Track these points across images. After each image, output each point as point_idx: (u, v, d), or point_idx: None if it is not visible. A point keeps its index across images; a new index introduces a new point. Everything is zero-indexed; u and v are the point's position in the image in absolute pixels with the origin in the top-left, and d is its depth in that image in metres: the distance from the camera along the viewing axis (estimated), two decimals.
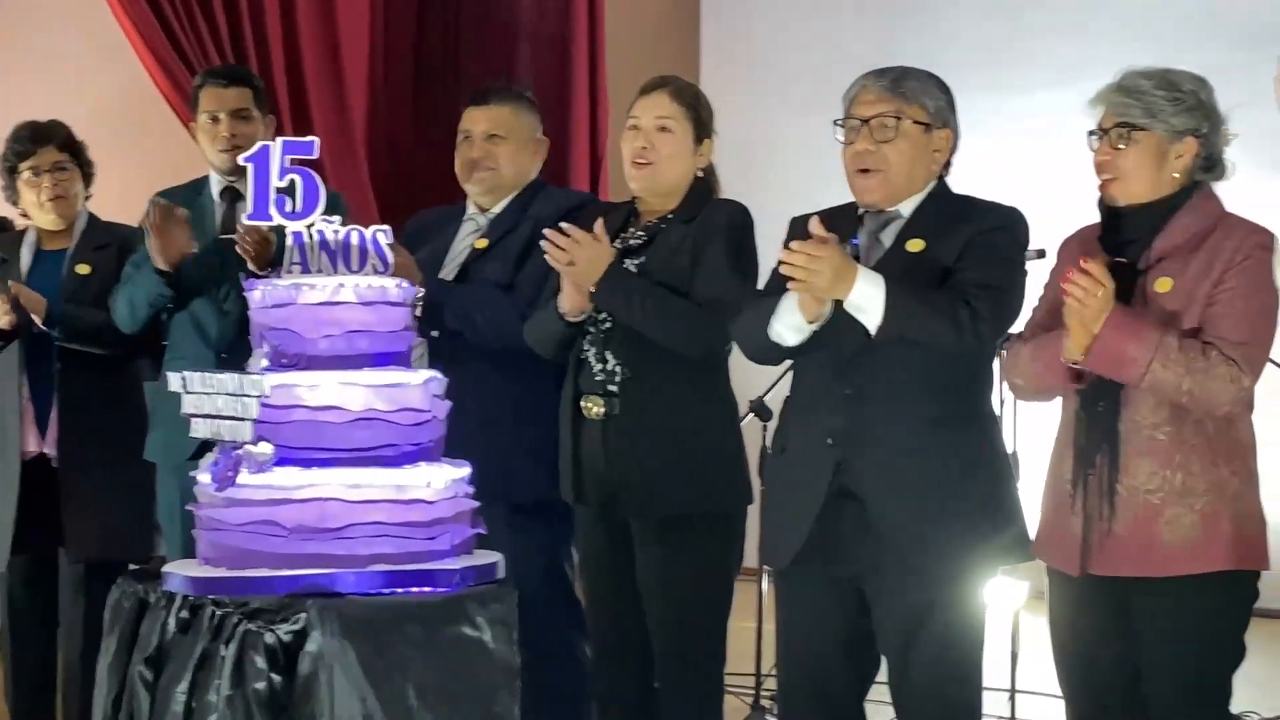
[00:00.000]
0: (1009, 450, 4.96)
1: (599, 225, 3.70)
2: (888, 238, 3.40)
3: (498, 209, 4.14)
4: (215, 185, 4.64)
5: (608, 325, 3.78)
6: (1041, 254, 4.18)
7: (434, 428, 3.32)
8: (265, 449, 3.17)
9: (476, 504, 3.41)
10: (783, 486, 3.50)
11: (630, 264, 3.78)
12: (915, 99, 3.38)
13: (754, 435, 4.28)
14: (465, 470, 3.36)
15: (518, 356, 3.95)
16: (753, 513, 3.86)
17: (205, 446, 4.41)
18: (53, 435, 4.57)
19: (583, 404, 3.80)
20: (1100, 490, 3.24)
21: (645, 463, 3.73)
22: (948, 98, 3.44)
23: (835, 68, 8.17)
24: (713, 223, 3.78)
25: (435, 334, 4.00)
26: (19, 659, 4.78)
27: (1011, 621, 5.11)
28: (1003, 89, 7.76)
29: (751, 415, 4.81)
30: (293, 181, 3.31)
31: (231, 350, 4.47)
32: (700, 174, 3.90)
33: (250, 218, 3.41)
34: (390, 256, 3.32)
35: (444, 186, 8.55)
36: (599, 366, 3.78)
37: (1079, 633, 3.34)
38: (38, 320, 4.53)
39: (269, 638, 3.06)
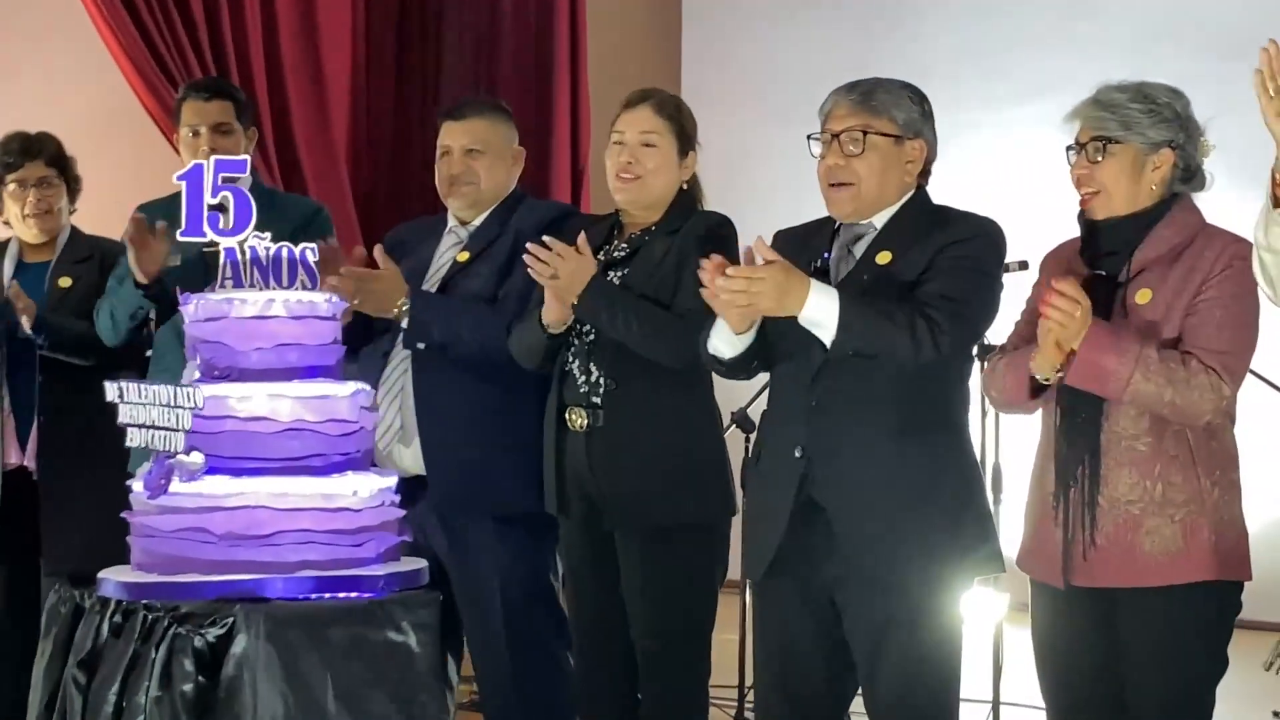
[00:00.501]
0: (992, 462, 5.01)
1: (582, 238, 3.71)
2: (859, 250, 3.40)
3: (478, 222, 4.15)
4: None
5: (591, 337, 3.78)
6: (1024, 265, 4.20)
7: (361, 438, 3.42)
8: (197, 458, 3.26)
9: (402, 512, 3.50)
10: (757, 498, 3.52)
11: (614, 276, 3.79)
12: (884, 112, 3.38)
13: (737, 447, 4.29)
14: (392, 479, 3.46)
15: (502, 369, 3.95)
16: (736, 524, 3.87)
17: None
18: (33, 448, 4.55)
19: (567, 415, 3.80)
20: (1082, 501, 3.25)
21: (629, 474, 3.74)
22: (921, 108, 3.44)
23: (816, 78, 8.18)
24: (696, 234, 3.79)
25: (421, 346, 3.99)
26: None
27: (994, 633, 5.11)
28: (984, 99, 7.79)
29: (734, 427, 4.81)
30: (225, 199, 3.41)
31: None
32: (684, 186, 3.90)
33: (183, 234, 3.47)
34: (318, 273, 3.41)
35: (425, 197, 8.58)
36: (583, 378, 3.79)
37: (1062, 644, 3.35)
38: (26, 324, 4.51)
39: (197, 641, 3.16)
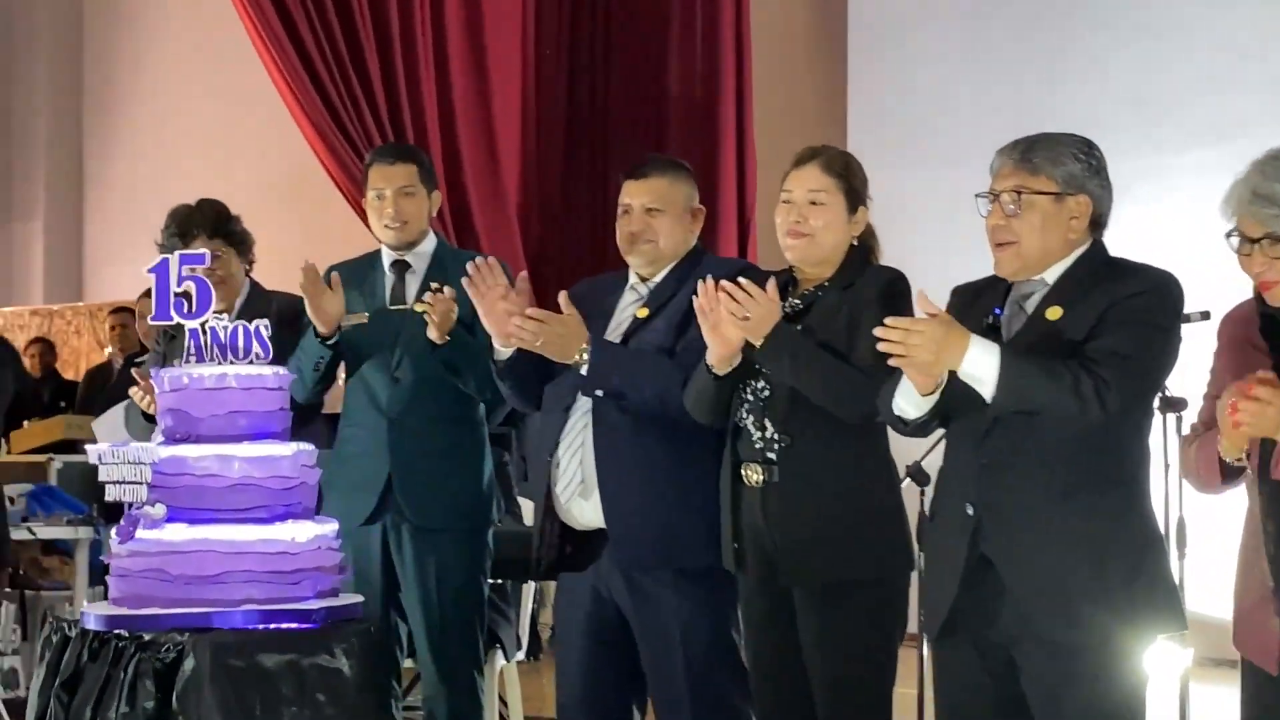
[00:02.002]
0: (1176, 516, 4.93)
1: (771, 284, 3.75)
2: (1030, 306, 3.38)
3: (658, 278, 4.19)
4: (386, 258, 4.76)
5: (766, 393, 3.81)
6: (1206, 315, 4.13)
7: (302, 492, 4.01)
8: (158, 509, 3.86)
9: (340, 555, 4.07)
10: (933, 554, 3.51)
11: (793, 328, 3.81)
12: (1042, 170, 3.36)
13: (912, 500, 4.28)
14: (331, 526, 4.05)
15: (680, 423, 3.98)
16: (913, 577, 3.87)
17: (379, 511, 4.55)
18: None
19: (742, 471, 3.82)
20: None
21: (806, 529, 3.74)
22: (1086, 161, 3.39)
23: (985, 129, 8.20)
24: (869, 289, 3.80)
25: (599, 393, 4.05)
26: None
27: (1180, 689, 5.03)
28: (1154, 145, 7.70)
29: (909, 480, 4.81)
30: (189, 288, 4.00)
31: (403, 416, 4.59)
32: (855, 241, 3.92)
33: (153, 318, 4.08)
34: (269, 347, 4.00)
35: (594, 254, 8.72)
36: (757, 434, 3.80)
37: None
38: None
39: (156, 664, 3.76)
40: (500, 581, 5.40)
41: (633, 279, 4.24)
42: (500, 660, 5.46)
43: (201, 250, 4.14)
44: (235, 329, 3.98)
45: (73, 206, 11.92)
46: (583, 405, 4.10)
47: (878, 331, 3.22)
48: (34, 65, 11.75)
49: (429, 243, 4.76)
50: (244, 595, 3.85)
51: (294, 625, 3.87)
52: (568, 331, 4.02)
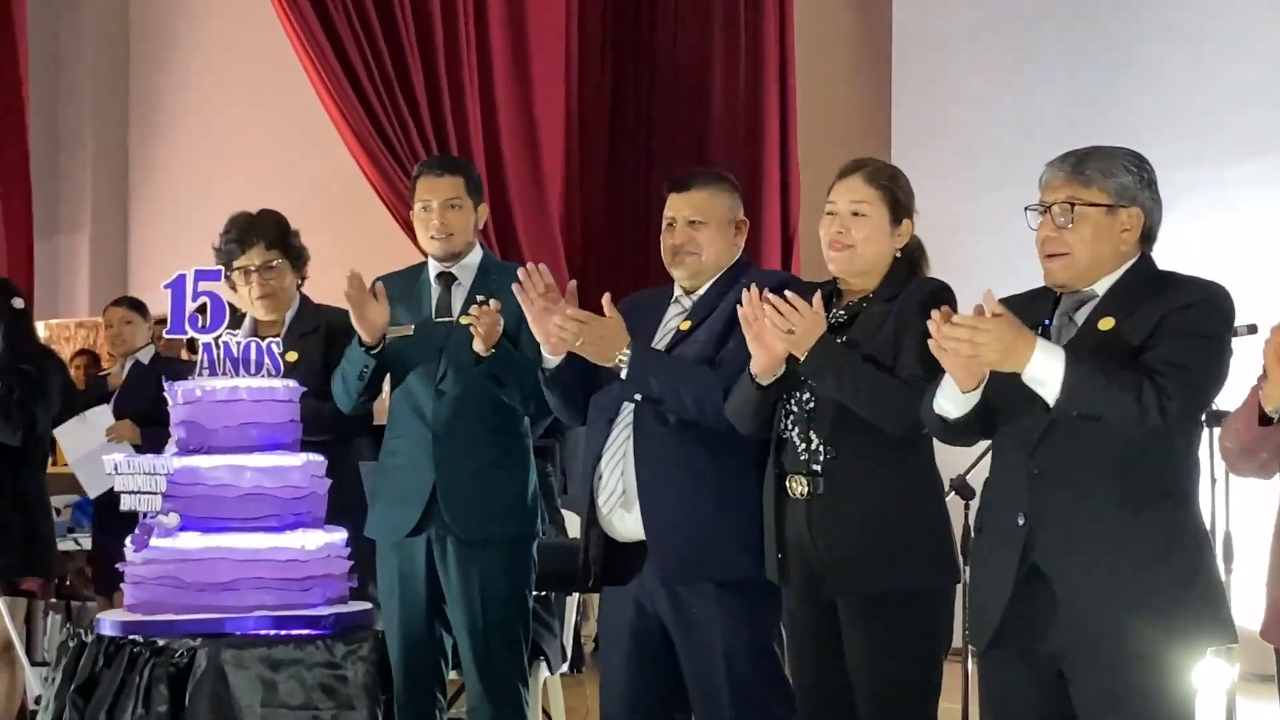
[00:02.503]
0: (1223, 530, 4.91)
1: (816, 297, 3.75)
2: (1081, 317, 3.39)
3: (702, 290, 4.21)
4: (432, 270, 4.78)
5: (811, 405, 3.81)
6: (1253, 329, 4.11)
7: (312, 501, 4.10)
8: (172, 518, 3.94)
9: (349, 563, 4.14)
10: (980, 566, 3.50)
11: (837, 340, 3.80)
12: (1094, 182, 3.38)
13: (956, 513, 4.26)
14: (340, 535, 4.14)
15: (722, 435, 3.98)
16: (957, 590, 3.86)
17: (424, 523, 4.57)
18: None
19: (787, 483, 3.82)
20: None
21: (851, 542, 3.73)
22: (1138, 174, 3.41)
23: (1029, 142, 8.22)
24: (914, 300, 3.79)
25: (638, 398, 4.06)
26: None
27: (1226, 704, 5.00)
28: (1198, 158, 7.66)
29: (953, 493, 4.79)
30: (204, 303, 4.12)
31: (447, 429, 4.60)
32: (898, 254, 3.92)
33: (169, 332, 4.20)
34: (280, 362, 4.15)
35: (636, 263, 8.73)
36: (802, 446, 3.80)
37: None
38: None
39: (170, 669, 3.85)
40: (544, 594, 5.41)
41: (677, 292, 4.25)
42: (544, 672, 5.47)
43: (217, 268, 4.32)
44: (248, 344, 4.12)
45: (118, 219, 11.99)
46: (625, 417, 4.11)
47: (945, 329, 3.21)
48: (80, 78, 11.83)
49: (475, 255, 4.78)
50: (256, 602, 3.95)
51: (305, 631, 3.97)
52: (608, 333, 4.04)
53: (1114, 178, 3.39)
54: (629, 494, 4.08)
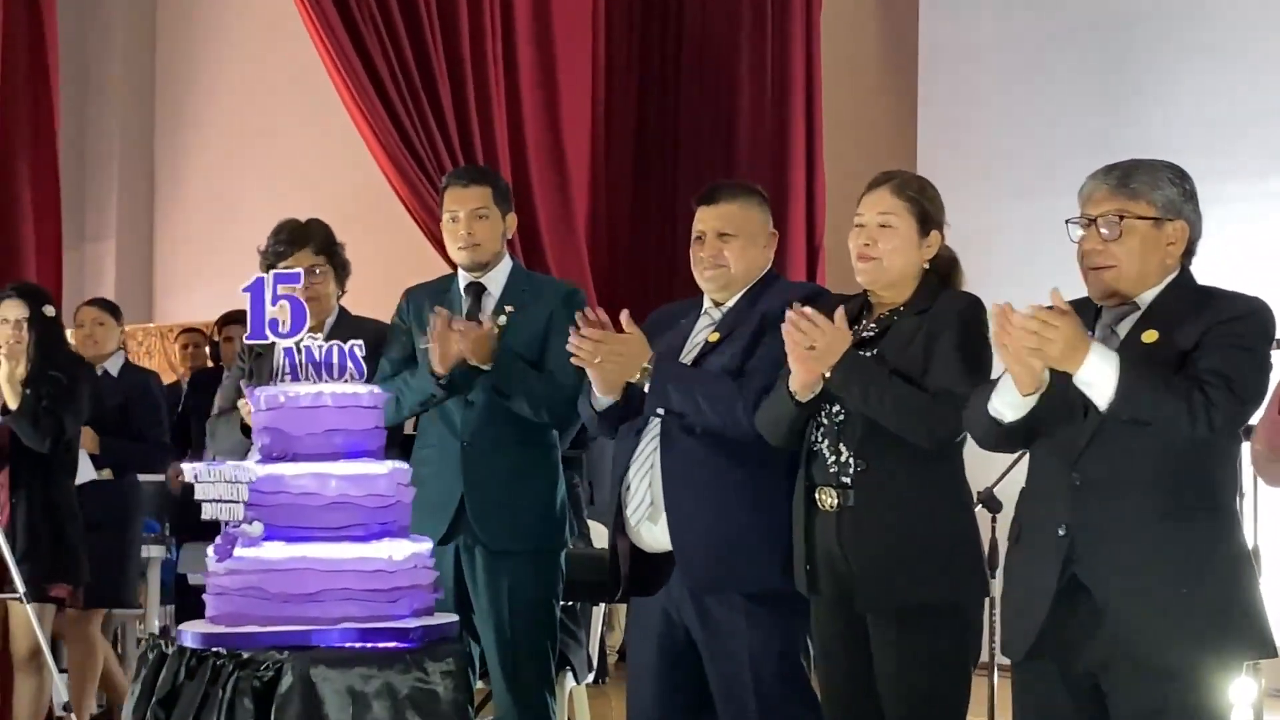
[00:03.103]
0: (1250, 544, 4.89)
1: (840, 312, 3.75)
2: (1123, 330, 3.40)
3: (731, 302, 4.21)
4: (461, 280, 4.79)
5: (841, 417, 3.81)
6: None
7: (398, 510, 3.98)
8: (256, 527, 3.83)
9: (435, 573, 4.01)
10: (1017, 577, 3.49)
11: (864, 355, 3.81)
12: (1142, 195, 3.39)
13: (983, 527, 4.26)
14: (426, 545, 4.00)
15: (748, 446, 3.99)
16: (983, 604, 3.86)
17: (452, 532, 4.58)
18: None
19: (817, 495, 3.82)
20: None
21: (880, 554, 3.73)
22: (1181, 187, 3.43)
23: (1054, 154, 8.21)
24: (945, 314, 3.79)
25: (661, 412, 4.06)
26: None
27: (1252, 719, 4.99)
28: (1225, 172, 7.64)
29: (980, 506, 4.79)
30: (284, 306, 3.96)
31: (476, 439, 4.61)
32: (927, 265, 3.92)
33: (248, 338, 4.06)
34: (364, 367, 3.97)
35: (661, 275, 8.74)
36: (832, 458, 3.81)
37: None
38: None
39: (255, 683, 3.72)
40: (571, 604, 5.41)
41: (706, 304, 4.25)
42: (570, 682, 5.47)
43: (297, 269, 4.12)
44: (330, 348, 3.96)
45: (144, 228, 12.03)
46: (653, 428, 4.11)
47: (1016, 318, 3.22)
48: (107, 88, 11.89)
49: (504, 266, 4.79)
50: (342, 613, 3.83)
51: (392, 644, 3.85)
52: (629, 350, 4.04)
53: (1160, 190, 3.40)
54: (656, 505, 4.09)
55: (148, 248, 12.10)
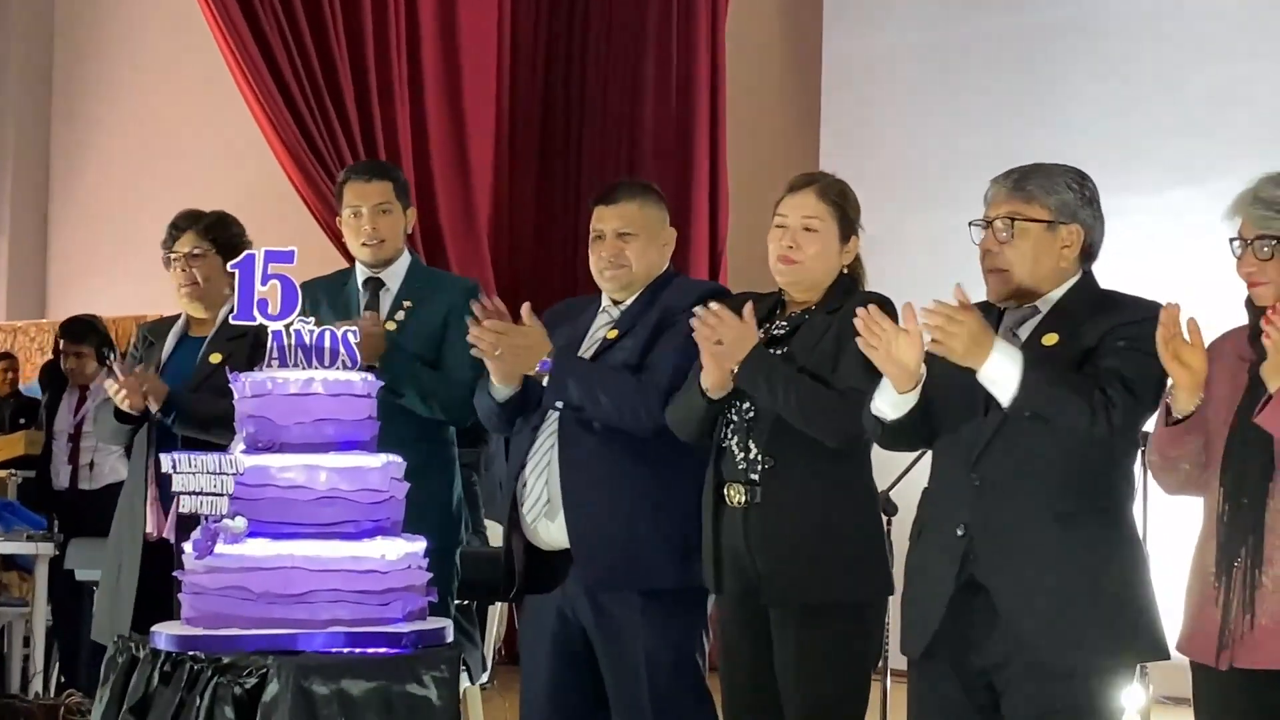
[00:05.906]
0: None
1: (748, 308, 3.75)
2: (1024, 332, 3.43)
3: (630, 300, 4.20)
4: (359, 275, 4.73)
5: (750, 414, 3.80)
6: None
7: (391, 506, 3.69)
8: (240, 523, 3.54)
9: (429, 575, 3.74)
10: (916, 576, 3.51)
11: (774, 353, 3.81)
12: (1036, 198, 3.42)
13: None
14: (420, 545, 3.71)
15: (647, 442, 3.98)
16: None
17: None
18: (173, 520, 4.54)
19: (725, 492, 3.81)
20: (1243, 581, 3.20)
21: (786, 551, 3.73)
22: (1079, 191, 3.46)
23: (956, 163, 8.27)
24: (855, 314, 3.80)
25: (560, 405, 4.04)
26: None
27: None
28: (1128, 185, 7.74)
29: None
30: (273, 286, 3.69)
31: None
32: (844, 269, 3.92)
33: (235, 318, 3.77)
34: (358, 355, 3.70)
35: (564, 272, 8.72)
36: (741, 455, 3.80)
37: None
38: (153, 407, 4.58)
39: (236, 690, 3.45)
40: (466, 603, 5.37)
41: (605, 302, 4.24)
42: (465, 683, 5.43)
43: (290, 249, 3.80)
44: (322, 332, 3.68)
45: (38, 222, 11.85)
46: (550, 424, 4.09)
47: (922, 309, 3.24)
48: (2, 79, 11.70)
49: (403, 261, 4.74)
50: (330, 616, 3.55)
51: (383, 650, 3.57)
52: (529, 343, 4.01)
53: (1055, 194, 3.43)
54: (554, 502, 4.06)
55: (40, 242, 11.91)
